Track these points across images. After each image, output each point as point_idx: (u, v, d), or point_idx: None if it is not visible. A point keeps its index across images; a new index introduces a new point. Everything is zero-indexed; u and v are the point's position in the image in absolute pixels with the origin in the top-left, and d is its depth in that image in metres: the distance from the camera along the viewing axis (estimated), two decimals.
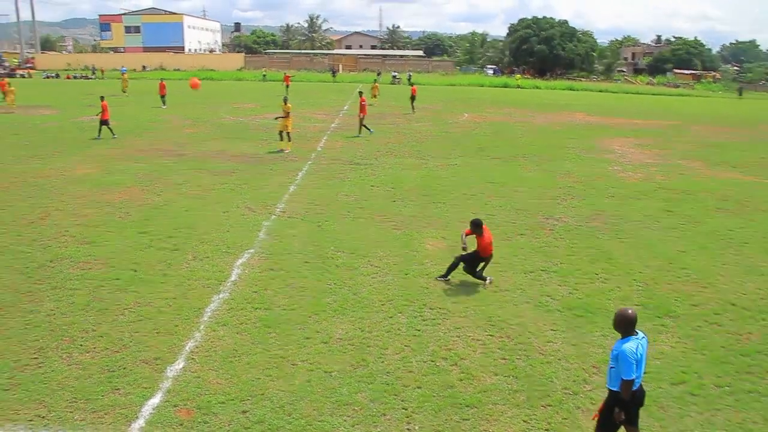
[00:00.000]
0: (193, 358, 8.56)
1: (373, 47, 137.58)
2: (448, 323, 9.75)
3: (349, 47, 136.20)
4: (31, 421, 7.18)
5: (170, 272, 11.67)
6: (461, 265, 11.28)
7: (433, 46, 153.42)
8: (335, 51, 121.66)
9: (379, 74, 73.91)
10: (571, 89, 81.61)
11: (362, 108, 28.89)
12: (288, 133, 24.94)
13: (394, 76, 73.23)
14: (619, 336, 6.10)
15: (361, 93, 29.73)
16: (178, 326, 9.47)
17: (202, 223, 14.72)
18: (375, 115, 37.19)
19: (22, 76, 79.56)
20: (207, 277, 11.41)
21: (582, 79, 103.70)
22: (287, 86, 50.11)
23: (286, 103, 25.41)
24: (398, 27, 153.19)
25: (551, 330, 9.63)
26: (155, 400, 7.61)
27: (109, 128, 27.85)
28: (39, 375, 8.10)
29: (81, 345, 8.88)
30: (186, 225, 14.57)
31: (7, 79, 53.51)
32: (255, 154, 23.78)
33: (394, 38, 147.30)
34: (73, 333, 9.25)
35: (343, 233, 14.09)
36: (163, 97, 41.73)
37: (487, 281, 11.28)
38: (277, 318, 9.74)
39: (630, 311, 6.07)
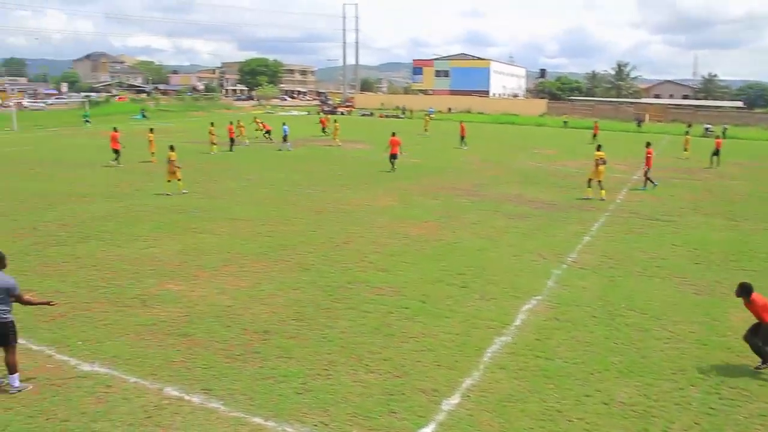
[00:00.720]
0: (468, 396, 8.65)
1: (685, 97, 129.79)
2: (751, 407, 8.63)
3: (657, 96, 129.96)
4: (315, 426, 7.83)
5: (457, 308, 11.96)
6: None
7: (756, 97, 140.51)
8: (642, 100, 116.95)
9: (689, 126, 69.49)
10: None
11: (647, 160, 27.27)
12: (599, 181, 24.37)
13: (707, 129, 68.10)
14: None
15: (648, 144, 28.07)
16: (459, 362, 9.64)
17: (492, 265, 14.91)
18: (682, 170, 34.98)
19: (342, 114, 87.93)
20: (491, 318, 11.49)
21: None
22: (595, 135, 48.93)
23: (598, 151, 25.04)
24: (715, 75, 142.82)
25: None
26: (427, 430, 7.82)
27: (394, 161, 30.58)
28: (327, 386, 8.78)
29: (367, 365, 9.45)
30: (476, 264, 14.87)
31: (329, 116, 59.54)
32: (551, 201, 23.59)
33: (709, 87, 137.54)
34: (361, 352, 9.89)
35: (636, 291, 13.33)
36: (463, 138, 43.30)
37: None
38: (557, 369, 9.47)
39: None
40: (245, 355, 9.73)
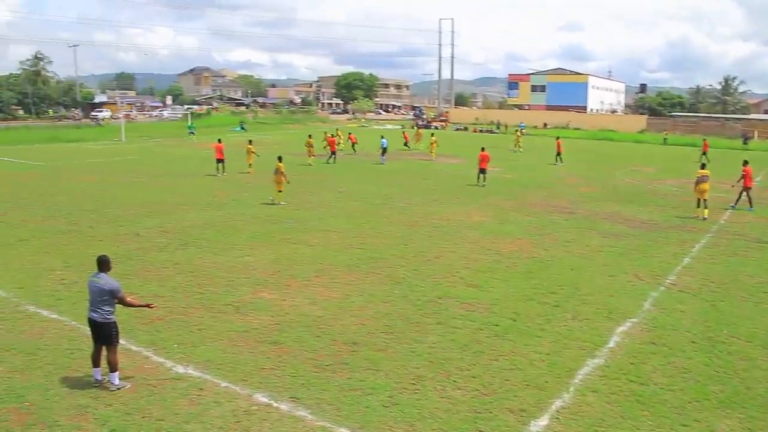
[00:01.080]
0: (557, 418, 8.45)
1: None
2: None
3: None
4: None
5: (548, 327, 11.72)
6: None
7: None
8: (752, 116, 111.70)
9: None
10: None
11: (744, 179, 25.95)
12: (704, 200, 23.52)
13: None
14: None
15: (746, 162, 26.68)
16: (548, 383, 9.43)
17: (586, 284, 14.54)
18: None
19: (436, 128, 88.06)
20: (584, 339, 11.20)
21: None
22: (704, 153, 46.72)
23: (702, 169, 24.41)
24: None
25: None
26: None
27: (483, 176, 30.94)
28: (414, 400, 8.77)
29: (454, 381, 9.39)
30: (569, 283, 14.54)
31: (421, 130, 59.67)
32: (649, 220, 22.81)
33: None
34: (450, 368, 9.82)
35: (740, 317, 12.68)
36: (559, 154, 42.53)
37: None
38: (652, 395, 9.12)
39: None
40: (334, 365, 9.84)
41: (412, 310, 12.47)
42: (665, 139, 71.93)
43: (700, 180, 23.65)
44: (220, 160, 32.65)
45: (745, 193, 26.16)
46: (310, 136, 40.78)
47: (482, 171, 31.03)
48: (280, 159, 25.19)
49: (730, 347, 11.09)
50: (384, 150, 40.03)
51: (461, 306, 12.79)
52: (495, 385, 9.33)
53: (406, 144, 52.33)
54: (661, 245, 18.88)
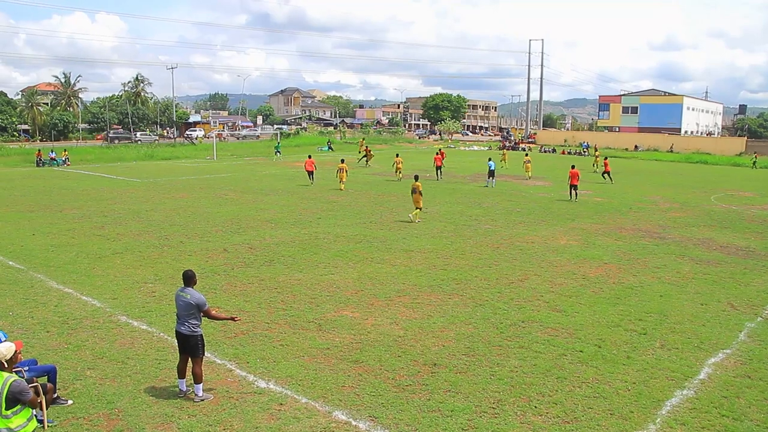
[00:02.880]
0: None
1: None
2: None
3: None
4: None
5: (634, 356, 11.37)
6: None
7: None
8: None
9: None
10: None
11: None
12: None
13: None
14: None
15: None
16: (634, 413, 9.13)
17: (676, 312, 14.02)
18: None
19: (522, 149, 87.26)
20: (673, 369, 10.79)
21: None
22: None
23: None
24: None
25: None
26: None
27: (575, 192, 32.63)
28: (493, 424, 8.66)
29: (535, 407, 9.21)
30: (658, 311, 14.06)
31: (506, 152, 59.37)
32: (746, 247, 21.82)
33: None
34: (531, 393, 9.65)
35: None
36: (607, 173, 43.50)
37: None
38: None
39: None
40: (413, 386, 9.82)
41: (494, 333, 12.33)
42: (755, 162, 68.50)
43: None
44: (310, 172, 37.25)
45: (573, 189, 28.03)
46: (397, 155, 44.38)
47: (573, 187, 32.71)
48: (416, 178, 26.31)
49: None
50: (491, 172, 39.59)
51: (544, 330, 12.56)
52: (577, 412, 9.10)
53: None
54: (758, 274, 18.03)
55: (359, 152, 48.93)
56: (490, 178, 39.29)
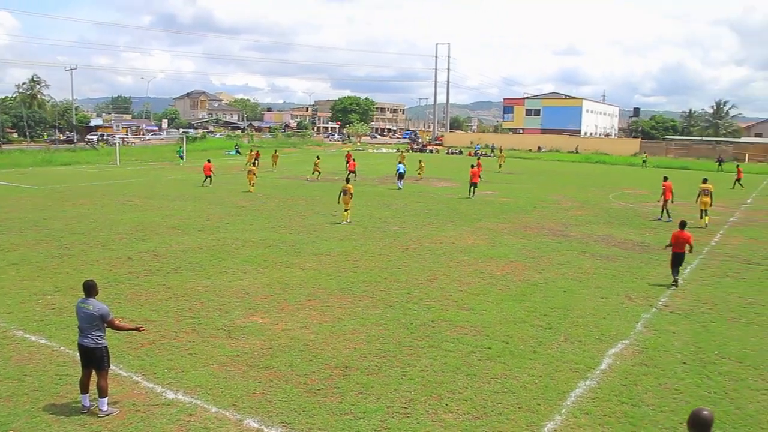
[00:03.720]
0: None
1: None
2: None
3: (759, 135, 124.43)
4: None
5: (540, 350, 11.73)
6: None
7: None
8: (742, 139, 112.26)
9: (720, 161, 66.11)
10: None
11: (665, 193, 28.92)
12: (705, 210, 27.22)
13: None
14: None
15: (666, 178, 30.13)
16: (540, 405, 9.42)
17: (579, 306, 14.56)
18: None
19: (431, 151, 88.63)
20: (576, 362, 11.20)
21: None
22: (738, 179, 45.79)
23: (704, 183, 28.04)
24: None
25: None
26: None
27: (474, 189, 34.83)
28: (405, 424, 8.76)
29: (446, 405, 9.37)
30: (562, 306, 14.55)
31: (404, 154, 60.36)
32: (642, 242, 22.88)
33: None
34: (441, 392, 9.81)
35: (731, 338, 12.71)
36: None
37: None
38: (643, 417, 9.12)
39: None
40: (325, 389, 9.81)
41: (405, 334, 12.46)
42: (644, 161, 72.29)
43: (702, 193, 27.34)
44: (208, 176, 37.52)
45: (664, 205, 29.02)
46: (318, 157, 47.34)
47: (473, 185, 35.04)
48: (347, 180, 27.41)
49: (720, 368, 11.11)
50: (401, 175, 39.89)
51: (454, 329, 12.78)
52: (487, 408, 9.30)
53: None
54: (653, 267, 18.94)
55: (253, 163, 47.34)
56: (400, 180, 39.66)
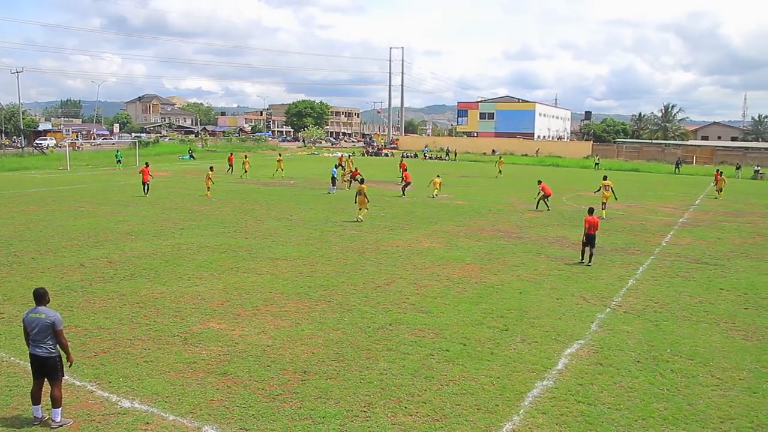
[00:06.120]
0: None
1: (734, 138, 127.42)
2: None
3: (705, 138, 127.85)
4: None
5: (498, 351, 11.83)
6: None
7: None
8: (689, 142, 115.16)
9: (738, 168, 67.94)
10: None
11: (545, 190, 33.09)
12: (605, 203, 31.06)
13: (757, 171, 66.72)
14: None
15: (540, 181, 34.18)
16: (499, 406, 9.51)
17: (534, 308, 14.74)
18: (731, 213, 34.26)
19: (386, 155, 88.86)
20: (533, 362, 11.33)
21: None
22: (716, 184, 43.95)
23: (605, 180, 32.12)
24: (766, 117, 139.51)
25: None
26: None
27: (404, 190, 37.13)
28: (365, 427, 8.76)
29: (405, 407, 9.39)
30: (518, 307, 14.71)
31: (343, 155, 60.48)
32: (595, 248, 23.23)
33: (759, 129, 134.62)
34: (400, 395, 9.83)
35: (682, 336, 13.02)
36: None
37: None
38: (599, 415, 9.27)
39: None
40: (284, 395, 9.74)
41: (363, 338, 12.45)
42: (597, 163, 74.13)
43: (604, 188, 31.54)
44: (145, 183, 35.58)
45: (545, 200, 33.19)
46: (246, 156, 49.03)
47: (407, 184, 37.98)
48: (362, 181, 29.26)
49: (673, 365, 11.36)
50: (333, 179, 39.92)
51: (411, 332, 12.82)
52: (446, 410, 9.35)
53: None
54: (606, 268, 19.29)
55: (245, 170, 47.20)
56: (333, 186, 39.63)
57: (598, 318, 14.13)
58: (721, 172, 43.64)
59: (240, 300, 14.85)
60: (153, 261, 18.72)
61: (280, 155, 51.50)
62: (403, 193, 37.65)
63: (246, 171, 48.42)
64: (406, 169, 40.19)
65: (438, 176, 39.28)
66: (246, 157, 50.52)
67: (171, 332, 12.53)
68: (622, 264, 19.93)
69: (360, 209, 27.59)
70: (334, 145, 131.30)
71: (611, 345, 12.37)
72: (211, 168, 37.65)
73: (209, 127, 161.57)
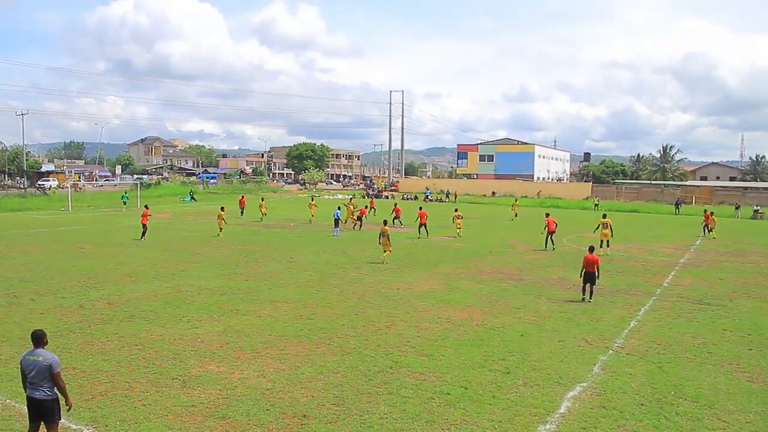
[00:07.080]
0: None
1: (732, 178, 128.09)
2: None
3: (704, 178, 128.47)
4: None
5: (499, 395, 11.70)
6: None
7: None
8: (688, 182, 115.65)
9: (737, 208, 68.09)
10: None
11: (549, 225, 33.58)
12: (607, 240, 32.60)
13: (756, 210, 66.84)
14: None
15: (548, 214, 35.33)
16: None
17: (536, 350, 14.61)
18: (732, 253, 34.21)
19: (386, 197, 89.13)
20: (535, 406, 11.20)
21: None
22: (706, 225, 44.12)
23: (604, 218, 33.01)
24: (763, 157, 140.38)
25: None
26: None
27: (425, 229, 37.42)
28: None
29: None
30: (519, 350, 14.59)
31: (352, 200, 60.62)
32: (596, 285, 23.13)
33: (757, 169, 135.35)
34: None
35: (686, 378, 12.88)
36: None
37: None
38: None
39: None
40: None
41: (363, 381, 12.32)
42: (596, 204, 74.51)
43: (602, 226, 32.80)
44: (144, 225, 34.90)
45: (550, 237, 33.68)
46: (262, 199, 50.14)
47: (423, 225, 37.71)
48: (385, 223, 29.19)
49: (677, 408, 11.22)
50: (336, 221, 39.66)
51: (412, 375, 12.69)
52: None
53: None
54: (608, 309, 19.18)
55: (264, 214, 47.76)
56: (336, 227, 39.44)
57: (601, 360, 14.00)
58: (711, 212, 43.71)
59: (239, 343, 14.74)
60: (153, 303, 18.64)
61: (262, 199, 52.22)
62: (419, 234, 38.12)
63: (264, 214, 48.14)
64: (421, 208, 41.41)
65: (456, 211, 41.30)
66: (263, 200, 50.51)
67: (170, 375, 12.41)
68: (623, 305, 19.82)
69: (384, 251, 27.82)
70: (328, 185, 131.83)
71: (614, 388, 12.23)
72: (222, 208, 38.04)
73: (210, 169, 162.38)
